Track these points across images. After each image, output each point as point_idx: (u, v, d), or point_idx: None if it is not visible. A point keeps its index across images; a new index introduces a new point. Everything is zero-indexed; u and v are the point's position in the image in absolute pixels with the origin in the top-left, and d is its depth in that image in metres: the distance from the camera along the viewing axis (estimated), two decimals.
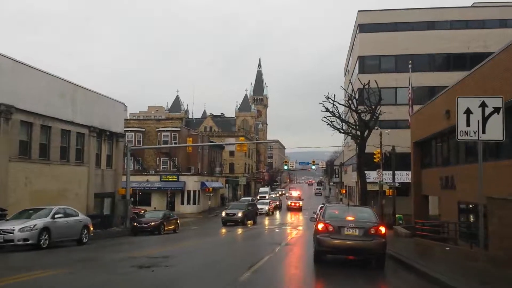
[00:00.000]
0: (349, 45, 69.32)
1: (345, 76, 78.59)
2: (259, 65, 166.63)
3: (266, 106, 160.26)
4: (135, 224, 32.07)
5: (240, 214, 39.44)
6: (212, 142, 77.37)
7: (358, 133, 29.95)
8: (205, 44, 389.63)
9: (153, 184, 58.65)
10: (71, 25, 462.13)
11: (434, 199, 30.17)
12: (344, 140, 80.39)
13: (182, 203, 59.37)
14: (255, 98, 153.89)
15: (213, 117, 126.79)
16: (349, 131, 32.04)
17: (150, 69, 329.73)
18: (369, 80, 30.33)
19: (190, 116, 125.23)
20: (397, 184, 34.31)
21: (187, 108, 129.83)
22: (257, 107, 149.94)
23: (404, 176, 46.95)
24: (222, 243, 24.45)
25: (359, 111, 28.92)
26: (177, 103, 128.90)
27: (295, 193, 79.15)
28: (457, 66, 53.86)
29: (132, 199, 54.01)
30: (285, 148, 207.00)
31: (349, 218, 13.77)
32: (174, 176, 59.26)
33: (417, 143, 30.82)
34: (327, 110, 28.97)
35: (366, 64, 56.93)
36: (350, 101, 29.82)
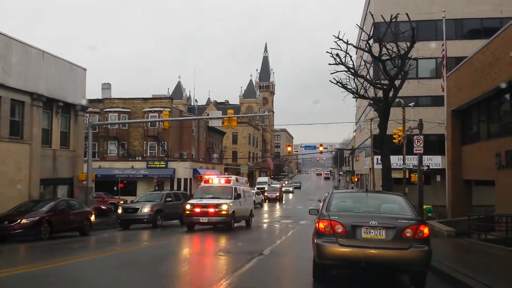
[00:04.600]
0: (362, 14, 61.59)
1: (356, 53, 70.96)
2: (265, 50, 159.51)
3: (272, 93, 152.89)
4: None
5: (146, 209, 25.20)
6: (210, 126, 70.08)
7: (380, 92, 22.48)
8: (222, 36, 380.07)
9: (138, 171, 51.65)
10: (91, 16, 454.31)
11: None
12: (356, 124, 72.96)
13: None
14: (261, 84, 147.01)
15: (217, 104, 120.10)
16: (366, 94, 24.57)
17: (166, 63, 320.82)
18: (398, 14, 22.94)
19: (193, 103, 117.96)
20: (425, 168, 26.94)
21: (189, 95, 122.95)
22: (263, 94, 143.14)
23: (425, 161, 39.86)
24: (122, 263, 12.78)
25: (383, 56, 21.39)
26: (178, 89, 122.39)
27: (216, 180, 26.00)
28: (488, 33, 45.83)
29: (115, 188, 47.74)
30: (293, 138, 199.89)
31: (369, 211, 9.35)
32: (162, 162, 52.20)
33: (457, 112, 23.47)
34: (338, 60, 21.39)
35: (383, 31, 49.09)
36: (367, 46, 22.39)
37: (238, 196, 23.86)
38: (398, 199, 10.10)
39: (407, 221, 8.73)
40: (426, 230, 8.67)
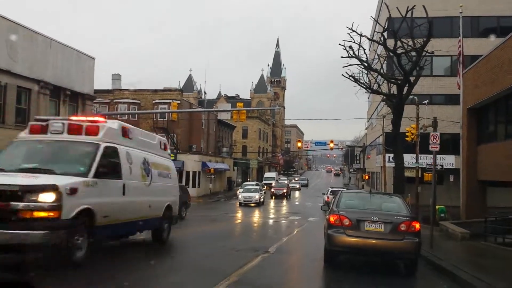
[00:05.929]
0: (376, 9, 60.57)
1: (369, 48, 69.86)
2: (277, 45, 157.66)
3: (284, 88, 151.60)
4: None
5: None
6: (220, 120, 69.64)
7: (394, 87, 21.78)
8: (234, 30, 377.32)
9: None
10: (105, 6, 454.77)
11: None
12: (368, 121, 72.03)
13: None
14: (273, 80, 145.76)
15: (227, 98, 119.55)
16: (379, 89, 23.91)
17: (178, 56, 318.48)
18: (414, 5, 22.18)
19: (203, 96, 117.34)
20: (439, 167, 26.25)
21: (200, 88, 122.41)
22: (275, 89, 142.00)
23: (438, 161, 39.04)
24: None
25: (398, 49, 20.70)
26: (189, 82, 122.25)
27: (58, 126, 10.28)
28: (504, 32, 44.78)
29: None
30: (303, 134, 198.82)
31: (372, 209, 11.09)
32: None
33: (473, 110, 22.71)
34: (351, 53, 20.76)
35: (397, 28, 48.16)
36: (382, 39, 21.71)
37: (115, 170, 10.26)
38: (397, 199, 11.90)
39: (402, 218, 10.41)
40: (417, 226, 10.33)
